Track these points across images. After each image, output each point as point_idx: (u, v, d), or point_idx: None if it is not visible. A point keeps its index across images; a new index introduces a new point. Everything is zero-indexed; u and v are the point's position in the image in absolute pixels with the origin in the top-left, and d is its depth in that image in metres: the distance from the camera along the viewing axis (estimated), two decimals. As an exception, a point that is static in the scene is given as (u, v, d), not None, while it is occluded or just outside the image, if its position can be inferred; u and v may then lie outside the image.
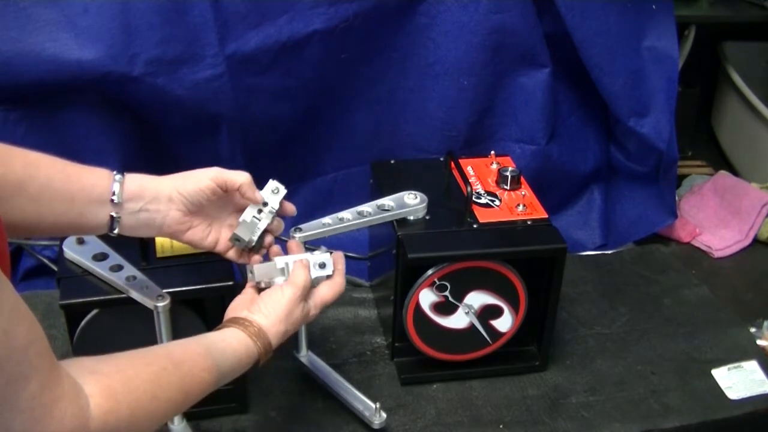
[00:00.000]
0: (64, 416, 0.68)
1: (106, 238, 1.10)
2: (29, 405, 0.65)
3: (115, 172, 0.95)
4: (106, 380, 0.73)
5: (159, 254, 1.12)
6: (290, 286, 0.99)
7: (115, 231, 0.96)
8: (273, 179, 1.07)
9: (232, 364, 0.91)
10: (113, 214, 0.95)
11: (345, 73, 1.52)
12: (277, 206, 1.06)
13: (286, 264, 1.04)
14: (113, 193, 0.94)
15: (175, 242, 1.14)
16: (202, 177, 1.00)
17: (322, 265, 1.04)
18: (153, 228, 1.00)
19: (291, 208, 1.09)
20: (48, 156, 0.91)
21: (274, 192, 1.06)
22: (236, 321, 0.95)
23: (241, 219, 1.04)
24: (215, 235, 1.05)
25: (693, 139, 2.04)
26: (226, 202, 1.05)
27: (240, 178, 1.01)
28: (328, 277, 1.05)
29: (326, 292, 1.04)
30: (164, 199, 0.98)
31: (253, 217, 1.04)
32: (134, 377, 0.77)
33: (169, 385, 0.81)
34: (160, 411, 0.80)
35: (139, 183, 0.97)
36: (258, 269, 1.04)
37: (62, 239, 1.11)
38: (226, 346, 0.91)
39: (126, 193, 0.95)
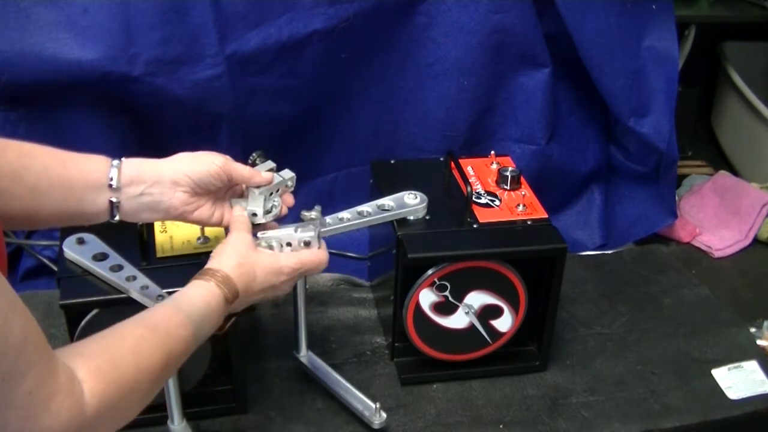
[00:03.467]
0: (61, 409, 0.68)
1: (106, 237, 1.11)
2: (25, 401, 0.65)
3: (112, 159, 0.95)
4: (94, 361, 0.73)
5: (159, 254, 1.12)
6: (231, 231, 1.01)
7: (116, 218, 0.96)
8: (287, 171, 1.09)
9: (202, 312, 0.90)
10: (113, 199, 0.94)
11: (345, 73, 1.52)
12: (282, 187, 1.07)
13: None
14: (111, 178, 0.94)
15: (175, 242, 1.14)
16: (211, 162, 1.00)
17: (307, 243, 1.04)
18: (158, 211, 0.99)
19: (290, 200, 1.10)
20: (42, 146, 0.91)
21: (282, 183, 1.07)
22: (194, 276, 0.95)
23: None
24: (220, 212, 1.05)
25: (693, 139, 2.04)
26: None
27: (245, 172, 1.02)
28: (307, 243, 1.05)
29: (307, 255, 1.03)
30: (168, 182, 0.98)
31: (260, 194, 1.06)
32: (117, 352, 0.77)
33: (150, 351, 0.81)
34: (146, 381, 0.79)
35: (136, 167, 0.96)
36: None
37: (62, 239, 1.11)
38: (190, 295, 0.91)
39: (124, 178, 0.95)
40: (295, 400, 1.24)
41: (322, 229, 1.11)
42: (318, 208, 1.12)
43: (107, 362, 0.75)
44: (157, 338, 0.82)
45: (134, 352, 0.79)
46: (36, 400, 0.66)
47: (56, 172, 0.90)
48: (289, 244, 1.04)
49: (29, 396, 0.65)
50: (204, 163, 0.99)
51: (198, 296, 0.91)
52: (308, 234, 1.04)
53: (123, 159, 0.96)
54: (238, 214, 1.04)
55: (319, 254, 1.05)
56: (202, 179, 0.99)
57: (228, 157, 1.03)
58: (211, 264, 0.96)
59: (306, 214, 1.12)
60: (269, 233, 1.04)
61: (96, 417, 0.71)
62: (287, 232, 1.05)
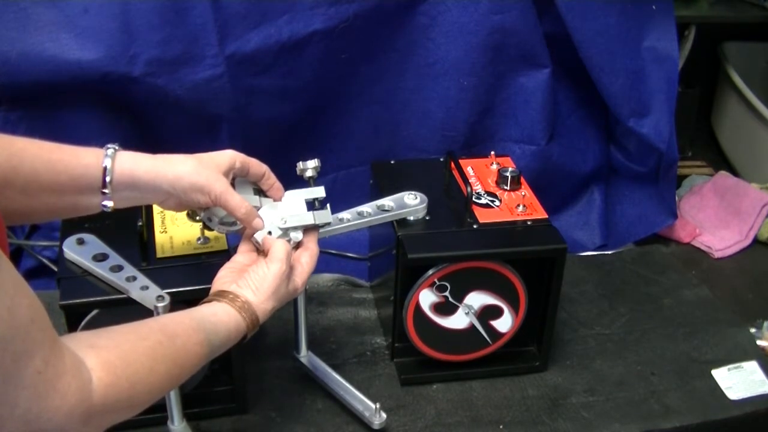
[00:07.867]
0: (68, 391, 0.68)
1: (106, 237, 1.11)
2: (34, 381, 0.65)
3: (105, 154, 0.94)
4: (106, 354, 0.74)
5: (159, 254, 1.12)
6: (274, 262, 0.99)
7: (109, 210, 0.97)
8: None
9: (222, 338, 0.91)
10: (105, 203, 0.95)
11: (345, 73, 1.52)
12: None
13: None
14: (104, 185, 0.94)
15: (175, 242, 1.14)
16: (201, 198, 0.99)
17: (296, 238, 1.07)
18: (151, 204, 1.05)
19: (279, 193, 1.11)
20: (34, 143, 0.90)
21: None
22: (224, 295, 0.95)
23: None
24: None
25: (693, 139, 2.04)
26: None
27: (240, 214, 1.01)
28: (299, 244, 1.07)
29: (307, 262, 1.05)
30: (161, 193, 0.98)
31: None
32: (132, 351, 0.78)
33: (164, 359, 0.82)
34: (156, 384, 0.81)
35: (131, 172, 0.95)
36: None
37: (62, 239, 1.11)
38: (217, 321, 0.92)
39: (117, 185, 0.95)
40: (295, 400, 1.24)
41: (321, 230, 1.11)
42: (317, 162, 1.14)
43: (119, 357, 0.76)
44: (174, 348, 0.83)
45: (149, 355, 0.79)
46: (43, 380, 0.66)
47: (46, 176, 0.90)
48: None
49: (38, 376, 0.66)
50: (193, 199, 0.99)
51: (223, 326, 0.92)
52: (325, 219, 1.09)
53: (117, 154, 0.94)
54: (280, 244, 1.01)
55: (314, 254, 1.07)
56: (190, 206, 1.02)
57: (227, 184, 1.00)
58: (249, 295, 0.96)
59: (302, 165, 1.14)
60: (290, 221, 1.06)
61: (102, 406, 0.72)
62: (306, 219, 1.08)
